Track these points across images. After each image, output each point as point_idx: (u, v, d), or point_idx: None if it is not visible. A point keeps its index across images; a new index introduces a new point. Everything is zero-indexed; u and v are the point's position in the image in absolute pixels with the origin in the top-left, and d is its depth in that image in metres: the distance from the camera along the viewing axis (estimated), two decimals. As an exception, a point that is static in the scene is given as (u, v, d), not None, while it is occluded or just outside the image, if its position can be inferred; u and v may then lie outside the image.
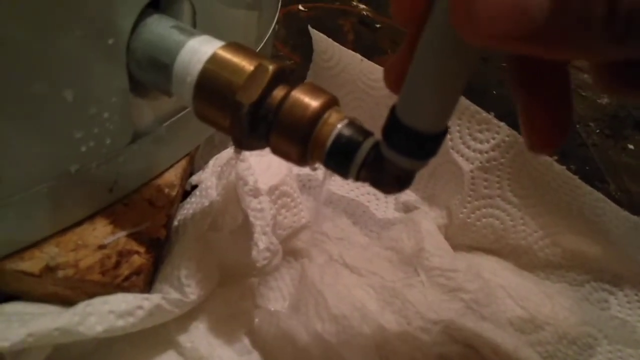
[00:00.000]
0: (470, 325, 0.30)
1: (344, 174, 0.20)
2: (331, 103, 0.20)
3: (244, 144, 0.21)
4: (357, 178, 0.19)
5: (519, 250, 0.35)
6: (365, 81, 0.38)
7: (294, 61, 0.50)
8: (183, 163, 0.29)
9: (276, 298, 0.30)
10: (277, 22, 0.55)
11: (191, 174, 0.31)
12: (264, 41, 0.36)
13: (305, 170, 0.39)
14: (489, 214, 0.35)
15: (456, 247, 0.35)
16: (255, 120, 0.20)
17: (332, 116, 0.20)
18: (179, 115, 0.27)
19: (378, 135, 0.19)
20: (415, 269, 0.32)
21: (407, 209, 0.37)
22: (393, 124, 0.17)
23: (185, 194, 0.30)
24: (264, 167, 0.31)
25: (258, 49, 0.36)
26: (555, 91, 0.17)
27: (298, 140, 0.20)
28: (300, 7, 0.62)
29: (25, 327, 0.19)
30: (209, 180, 0.29)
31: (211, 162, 0.31)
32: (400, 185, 0.19)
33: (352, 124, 0.20)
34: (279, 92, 0.20)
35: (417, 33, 0.16)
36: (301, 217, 0.32)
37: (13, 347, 0.19)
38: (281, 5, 0.61)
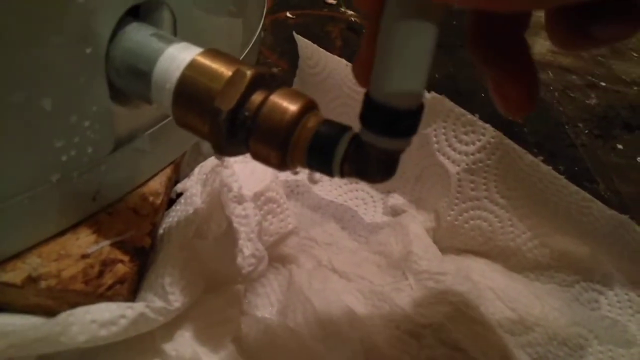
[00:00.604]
0: (459, 328, 0.30)
1: (328, 172, 0.20)
2: (310, 107, 0.20)
3: (223, 150, 0.21)
4: (342, 173, 0.20)
5: (508, 252, 0.35)
6: (351, 86, 0.38)
7: (281, 68, 0.51)
8: (168, 171, 0.29)
9: (264, 305, 0.30)
10: (264, 29, 0.56)
11: (177, 182, 0.31)
12: (249, 47, 0.36)
13: (293, 176, 0.39)
14: (476, 216, 0.35)
15: (445, 249, 0.35)
16: (234, 126, 0.20)
17: (311, 119, 0.20)
18: (161, 123, 0.27)
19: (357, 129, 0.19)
20: (404, 273, 0.32)
21: (395, 212, 0.37)
22: (368, 106, 0.17)
23: (171, 202, 0.30)
24: (249, 173, 0.31)
25: (243, 55, 0.36)
26: (516, 61, 0.19)
27: (277, 144, 0.20)
28: (288, 14, 0.62)
29: (7, 338, 0.19)
30: (194, 187, 0.29)
31: (196, 170, 0.31)
32: (386, 171, 0.19)
33: (329, 122, 0.20)
34: (257, 97, 0.20)
35: (377, 24, 0.17)
36: (288, 223, 0.32)
37: (-8, 359, 0.19)
38: (269, 13, 0.61)
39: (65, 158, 0.22)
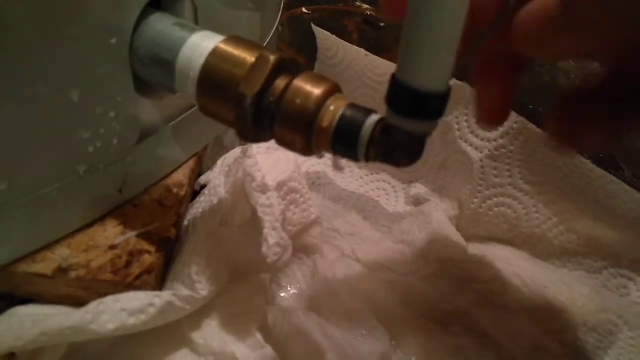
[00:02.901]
0: (486, 316, 0.30)
1: (354, 156, 0.20)
2: (333, 90, 0.20)
3: (249, 136, 0.21)
4: (367, 157, 0.19)
5: (534, 239, 0.35)
6: (371, 76, 0.38)
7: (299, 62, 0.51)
8: (191, 163, 0.30)
9: (289, 295, 0.30)
10: (281, 25, 0.56)
11: (200, 174, 0.32)
12: (268, 40, 0.36)
13: (315, 168, 0.39)
14: (500, 203, 0.34)
15: (469, 238, 0.35)
16: (259, 111, 0.20)
17: (335, 103, 0.20)
18: (185, 115, 0.28)
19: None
20: (428, 261, 0.32)
21: (418, 202, 0.37)
22: (394, 88, 0.17)
23: (195, 194, 0.31)
24: (272, 163, 0.31)
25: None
26: (508, 87, 0.22)
27: (302, 129, 0.20)
28: (304, 10, 0.62)
29: (38, 327, 0.20)
30: (217, 179, 0.29)
31: (219, 162, 0.31)
32: (412, 154, 0.19)
33: (353, 106, 0.20)
34: (281, 82, 0.20)
35: None
36: (311, 213, 0.32)
37: (27, 346, 0.19)
38: (285, 9, 0.61)
39: (92, 149, 0.23)
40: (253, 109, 0.20)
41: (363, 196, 0.38)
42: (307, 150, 0.20)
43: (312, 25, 0.39)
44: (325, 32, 0.38)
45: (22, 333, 0.19)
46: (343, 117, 0.19)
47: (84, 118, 0.22)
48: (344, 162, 0.21)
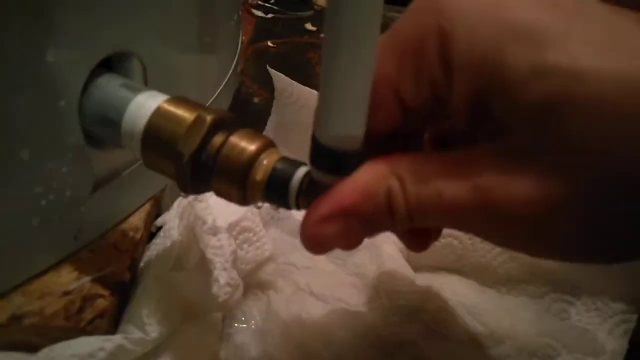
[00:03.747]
0: (431, 346, 0.32)
1: (285, 205, 0.21)
2: (266, 146, 0.22)
3: (188, 189, 0.22)
4: (298, 206, 0.21)
5: (480, 268, 0.37)
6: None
7: (262, 97, 0.53)
8: (147, 207, 0.31)
9: (243, 332, 0.31)
10: (245, 60, 0.57)
11: (158, 216, 0.33)
12: (224, 83, 0.38)
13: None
14: (447, 234, 0.36)
15: (419, 268, 0.36)
16: (197, 167, 0.22)
17: (268, 157, 0.22)
18: (139, 162, 0.29)
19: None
20: (377, 293, 0.34)
21: (372, 233, 0.39)
22: (314, 147, 0.19)
23: (152, 235, 0.32)
24: (225, 204, 0.32)
25: (218, 91, 0.38)
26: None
27: (237, 182, 0.22)
28: (269, 44, 0.64)
29: (-11, 376, 0.21)
30: (172, 221, 0.31)
31: (175, 204, 0.33)
32: None
33: (284, 159, 0.21)
34: (218, 139, 0.22)
35: None
36: (264, 250, 0.33)
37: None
38: (250, 43, 0.63)
39: (44, 203, 0.24)
40: (190, 166, 0.22)
41: (320, 229, 0.40)
42: (242, 200, 0.22)
43: (268, 67, 0.41)
44: (279, 74, 0.40)
45: (-27, 383, 0.21)
46: (274, 171, 0.21)
47: (36, 174, 0.23)
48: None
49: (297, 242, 0.38)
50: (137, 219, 0.30)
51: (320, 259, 0.37)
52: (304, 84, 0.40)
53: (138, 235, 0.29)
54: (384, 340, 0.31)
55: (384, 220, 0.18)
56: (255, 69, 0.58)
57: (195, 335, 0.27)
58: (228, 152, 0.22)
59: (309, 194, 0.21)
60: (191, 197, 0.32)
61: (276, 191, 0.21)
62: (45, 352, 0.22)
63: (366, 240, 0.38)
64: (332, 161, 0.19)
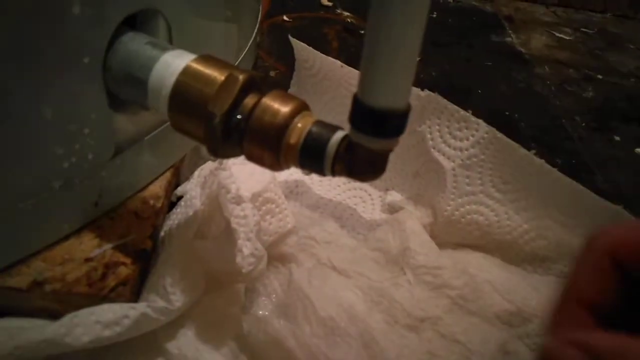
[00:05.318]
0: (457, 321, 0.31)
1: (320, 171, 0.20)
2: (301, 108, 0.21)
3: (218, 152, 0.21)
4: (333, 172, 0.20)
5: (505, 245, 0.36)
6: (347, 87, 0.38)
7: (278, 71, 0.51)
8: (167, 175, 0.30)
9: (264, 304, 0.31)
10: (261, 34, 0.56)
11: (177, 185, 0.32)
12: (245, 52, 0.37)
13: (293, 176, 0.40)
14: (472, 210, 0.35)
15: (442, 244, 0.36)
16: (228, 128, 0.21)
17: (302, 120, 0.21)
18: (160, 128, 0.28)
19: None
20: (402, 268, 0.33)
21: (393, 209, 0.38)
22: (356, 108, 0.18)
23: (172, 205, 0.31)
24: (247, 174, 0.31)
25: (239, 60, 0.37)
26: None
27: (270, 146, 0.21)
28: (285, 18, 0.63)
29: (13, 340, 0.20)
30: (194, 190, 0.30)
31: (196, 173, 0.32)
32: (375, 169, 0.20)
33: (320, 123, 0.20)
34: (250, 100, 0.21)
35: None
36: (287, 223, 0.32)
37: (1, 360, 0.20)
38: (266, 17, 0.62)
39: (66, 165, 0.23)
40: (222, 127, 0.21)
41: (340, 204, 0.39)
42: (275, 165, 0.21)
43: (290, 37, 0.39)
44: (303, 44, 0.39)
45: (-4, 346, 0.20)
46: (309, 135, 0.20)
47: (58, 135, 0.22)
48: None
49: (316, 216, 0.38)
50: (157, 187, 0.29)
51: (341, 234, 0.37)
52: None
53: (159, 204, 0.28)
54: (409, 315, 0.31)
55: None
56: (271, 43, 0.56)
57: (218, 305, 0.26)
58: (261, 114, 0.21)
59: (346, 160, 0.20)
60: (213, 166, 0.31)
61: (311, 155, 0.20)
62: (68, 317, 0.21)
63: (389, 217, 0.38)
64: (375, 122, 0.18)
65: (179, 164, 0.32)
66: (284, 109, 0.20)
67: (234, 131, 0.21)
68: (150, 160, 0.28)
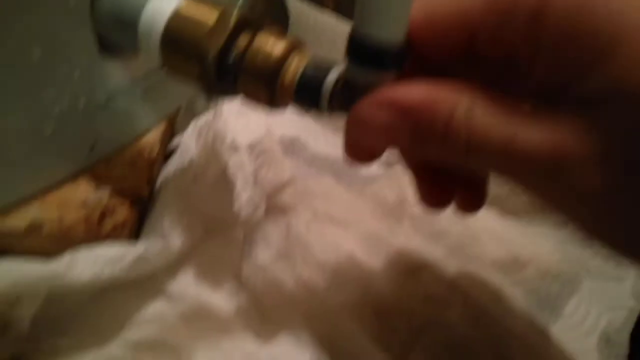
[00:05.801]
0: (455, 267, 0.31)
1: (317, 109, 0.20)
2: (294, 46, 0.21)
3: (214, 90, 0.21)
4: (331, 109, 0.20)
5: (502, 196, 0.36)
6: (343, 42, 0.38)
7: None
8: (163, 126, 0.30)
9: (263, 252, 0.31)
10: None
11: (172, 138, 0.32)
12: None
13: (289, 133, 0.40)
14: (469, 162, 0.35)
15: (439, 196, 0.36)
16: (222, 68, 0.21)
17: (296, 59, 0.20)
18: (154, 76, 0.28)
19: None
20: (399, 219, 0.33)
21: (390, 164, 0.38)
22: (351, 38, 0.18)
23: (167, 158, 0.31)
24: (243, 125, 0.31)
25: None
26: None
27: (265, 85, 0.20)
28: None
29: (11, 276, 0.20)
30: (189, 140, 0.30)
31: (191, 125, 0.32)
32: None
33: (315, 60, 0.20)
34: (243, 38, 0.21)
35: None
36: (284, 173, 0.32)
37: (1, 296, 0.20)
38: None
39: (57, 110, 0.23)
40: (215, 67, 0.20)
41: (337, 160, 0.39)
42: (271, 103, 0.21)
43: (283, -9, 0.39)
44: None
45: (-5, 283, 0.20)
46: (305, 71, 0.20)
47: (47, 77, 0.22)
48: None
49: (313, 172, 0.38)
50: (152, 137, 0.29)
51: (338, 188, 0.37)
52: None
53: (154, 153, 0.28)
54: (406, 262, 0.31)
55: (436, 135, 0.16)
56: (265, 3, 0.55)
57: (217, 250, 0.27)
58: (253, 55, 0.20)
59: (342, 96, 0.20)
60: (209, 117, 0.31)
61: (307, 93, 0.20)
62: (67, 256, 0.22)
63: (386, 170, 0.38)
64: (371, 52, 0.18)
65: (174, 116, 0.32)
66: (277, 50, 0.20)
67: (229, 70, 0.21)
68: (145, 109, 0.28)
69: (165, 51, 0.22)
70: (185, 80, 0.22)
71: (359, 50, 0.18)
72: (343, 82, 0.20)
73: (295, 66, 0.20)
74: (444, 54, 0.18)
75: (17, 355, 0.24)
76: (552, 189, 0.15)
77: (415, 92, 0.16)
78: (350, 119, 0.18)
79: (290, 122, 0.40)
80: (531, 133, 0.15)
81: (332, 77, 0.20)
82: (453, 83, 0.16)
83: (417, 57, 0.18)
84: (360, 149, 0.20)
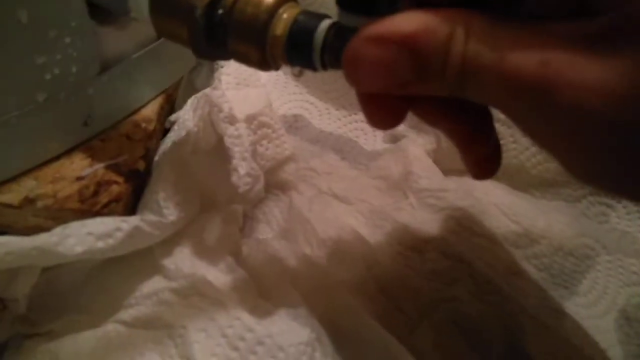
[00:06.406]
0: (462, 242, 0.30)
1: (310, 65, 0.19)
2: (286, -1, 0.20)
3: (203, 50, 0.20)
4: (323, 65, 0.19)
5: (511, 170, 0.35)
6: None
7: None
8: (160, 100, 0.29)
9: (264, 230, 0.30)
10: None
11: (170, 113, 0.31)
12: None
13: (291, 110, 0.39)
14: (478, 134, 0.34)
15: (447, 172, 0.34)
16: (211, 23, 0.20)
17: (288, 11, 0.19)
18: (148, 47, 0.27)
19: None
20: (404, 193, 0.32)
21: (396, 139, 0.37)
22: None
23: (166, 132, 0.30)
24: (241, 98, 0.30)
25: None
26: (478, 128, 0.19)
27: (255, 39, 0.19)
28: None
29: (4, 246, 0.20)
30: (187, 114, 0.29)
31: (189, 101, 0.31)
32: None
33: (307, 12, 0.19)
34: (232, -8, 0.20)
35: None
36: (284, 149, 0.31)
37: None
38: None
39: (49, 76, 0.22)
40: (204, 20, 0.20)
41: (341, 137, 0.38)
42: (262, 62, 0.20)
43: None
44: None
45: (-14, 254, 0.20)
46: (295, 24, 0.19)
47: (37, 41, 0.21)
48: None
49: (317, 149, 0.37)
50: (149, 111, 0.28)
51: (342, 165, 0.36)
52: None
53: (151, 127, 0.28)
54: (412, 237, 0.30)
55: (434, 65, 0.15)
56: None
57: (215, 224, 0.26)
58: (243, 5, 0.19)
59: (335, 48, 0.19)
60: (206, 90, 0.30)
61: (298, 47, 0.19)
62: (59, 229, 0.21)
63: (391, 145, 0.37)
64: None
65: (172, 91, 0.31)
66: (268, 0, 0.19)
67: (217, 27, 0.20)
68: (140, 81, 0.27)
69: (153, 10, 0.21)
70: (176, 41, 0.21)
71: None
72: (335, 33, 0.19)
73: (287, 18, 0.19)
74: None
75: (14, 339, 0.24)
76: (539, 116, 0.14)
77: (411, 21, 0.15)
78: (346, 61, 0.17)
79: (293, 98, 0.39)
80: (520, 56, 0.14)
81: (323, 26, 0.19)
82: (446, 11, 0.15)
83: None
84: (377, 107, 0.19)
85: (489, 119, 0.20)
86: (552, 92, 0.13)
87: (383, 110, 0.19)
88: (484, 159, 0.20)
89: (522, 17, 0.15)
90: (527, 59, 0.14)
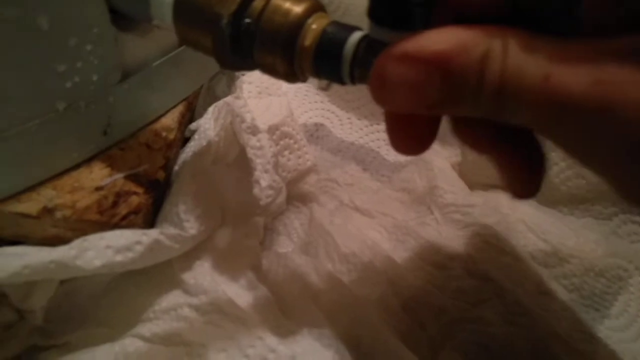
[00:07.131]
0: (488, 260, 0.29)
1: (337, 78, 0.19)
2: (315, 8, 0.19)
3: (226, 61, 0.20)
4: (352, 77, 0.18)
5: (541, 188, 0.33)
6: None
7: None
8: (180, 108, 0.29)
9: (285, 243, 0.29)
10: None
11: (191, 121, 0.31)
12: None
13: (313, 119, 0.38)
14: (505, 147, 0.33)
15: (472, 185, 0.33)
16: (237, 33, 0.19)
17: (317, 21, 0.19)
18: (169, 54, 0.27)
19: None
20: (429, 208, 0.31)
21: (419, 150, 0.36)
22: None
23: (186, 141, 0.30)
24: (263, 108, 0.30)
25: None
26: (522, 147, 0.18)
27: (283, 49, 0.19)
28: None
29: (21, 259, 0.19)
30: (208, 123, 0.28)
31: (210, 109, 0.31)
32: None
33: (336, 23, 0.18)
34: (259, 2, 0.19)
35: None
36: (306, 160, 0.31)
37: (11, 279, 0.19)
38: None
39: (69, 85, 0.22)
40: (230, 30, 0.19)
41: (363, 147, 0.37)
42: (289, 74, 0.19)
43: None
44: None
45: (5, 266, 0.19)
46: (324, 35, 0.18)
47: (58, 49, 0.21)
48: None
49: (338, 159, 0.36)
50: (169, 120, 0.28)
51: (364, 176, 0.35)
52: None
53: (171, 136, 0.27)
54: (436, 253, 0.29)
55: (468, 85, 0.14)
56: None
57: (236, 238, 0.25)
58: (271, 14, 0.19)
59: (365, 62, 0.18)
60: (228, 98, 0.29)
61: (327, 58, 0.18)
62: (78, 241, 0.21)
63: (414, 157, 0.36)
64: (397, 10, 0.16)
65: (193, 99, 0.30)
66: (297, 8, 0.19)
67: (244, 36, 0.19)
68: (161, 89, 0.27)
69: (177, 17, 0.20)
70: (200, 50, 0.21)
71: (383, 8, 0.17)
72: (366, 47, 0.18)
73: (316, 28, 0.19)
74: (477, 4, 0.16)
75: (30, 350, 0.23)
76: (592, 138, 0.13)
77: (443, 38, 0.15)
78: (372, 79, 0.16)
79: (314, 107, 0.39)
80: (568, 74, 0.13)
81: (353, 38, 0.18)
82: (482, 27, 0.14)
83: (447, 10, 0.16)
84: (404, 133, 0.18)
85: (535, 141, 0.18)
86: (609, 113, 0.12)
87: (409, 135, 0.19)
88: (528, 179, 0.19)
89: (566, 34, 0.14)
90: (578, 77, 0.13)
